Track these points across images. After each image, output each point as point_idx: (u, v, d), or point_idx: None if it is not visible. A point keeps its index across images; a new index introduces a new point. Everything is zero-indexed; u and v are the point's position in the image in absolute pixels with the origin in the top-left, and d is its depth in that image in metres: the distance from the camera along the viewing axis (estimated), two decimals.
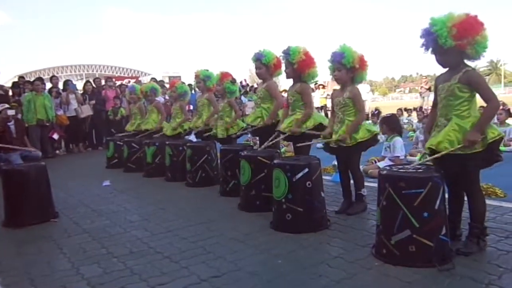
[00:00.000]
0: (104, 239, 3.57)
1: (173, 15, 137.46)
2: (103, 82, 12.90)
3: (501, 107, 8.47)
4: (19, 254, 3.34)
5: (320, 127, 4.28)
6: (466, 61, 2.78)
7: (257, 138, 5.56)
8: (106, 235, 3.67)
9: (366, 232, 3.36)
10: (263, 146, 4.59)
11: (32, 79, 11.28)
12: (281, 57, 4.51)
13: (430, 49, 2.81)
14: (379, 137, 4.06)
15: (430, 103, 16.00)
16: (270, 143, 4.58)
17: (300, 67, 4.29)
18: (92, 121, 11.30)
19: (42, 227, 4.02)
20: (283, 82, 14.88)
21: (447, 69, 2.86)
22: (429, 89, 16.62)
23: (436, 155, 2.75)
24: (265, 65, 4.82)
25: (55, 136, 10.23)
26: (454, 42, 2.61)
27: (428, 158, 2.87)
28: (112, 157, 7.90)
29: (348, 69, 3.74)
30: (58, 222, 4.20)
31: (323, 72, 4.07)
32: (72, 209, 4.65)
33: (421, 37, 2.78)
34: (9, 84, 11.81)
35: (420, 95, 17.28)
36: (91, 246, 3.41)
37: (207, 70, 6.39)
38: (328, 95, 13.34)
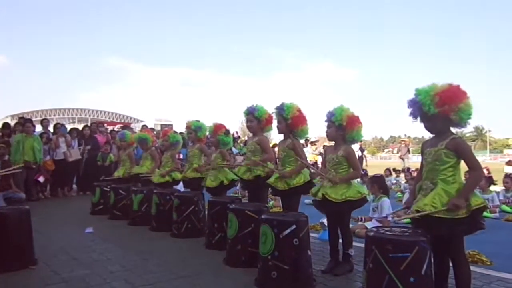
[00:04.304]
0: None
1: (163, 67, 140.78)
2: None
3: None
4: None
5: (309, 184, 4.32)
6: (453, 129, 2.93)
7: (246, 191, 5.55)
8: (85, 286, 3.54)
9: None
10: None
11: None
12: (274, 113, 4.62)
13: (418, 118, 2.98)
14: (367, 197, 4.11)
15: (411, 164, 16.29)
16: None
17: (293, 122, 4.41)
18: (86, 166, 11.23)
19: (19, 274, 3.86)
20: (274, 136, 15.06)
21: (434, 135, 3.00)
22: (408, 151, 17.12)
23: (419, 214, 2.80)
24: (257, 119, 4.94)
25: (41, 179, 10.08)
26: (437, 109, 2.79)
27: (412, 215, 2.91)
28: (98, 203, 7.75)
29: (337, 126, 3.86)
30: (36, 269, 4.05)
31: (314, 129, 4.24)
32: (52, 256, 4.50)
33: (408, 107, 2.99)
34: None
35: (400, 157, 17.66)
36: None
37: (198, 121, 6.50)
38: (320, 152, 13.49)
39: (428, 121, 2.94)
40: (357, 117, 3.91)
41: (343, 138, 3.94)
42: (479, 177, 2.91)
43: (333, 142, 4.08)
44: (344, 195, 3.76)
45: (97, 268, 4.06)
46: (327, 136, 4.10)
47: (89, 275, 3.83)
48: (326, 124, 3.99)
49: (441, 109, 2.78)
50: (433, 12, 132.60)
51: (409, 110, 2.99)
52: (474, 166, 2.82)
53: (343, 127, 3.87)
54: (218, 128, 5.86)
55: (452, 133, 2.91)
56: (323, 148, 11.91)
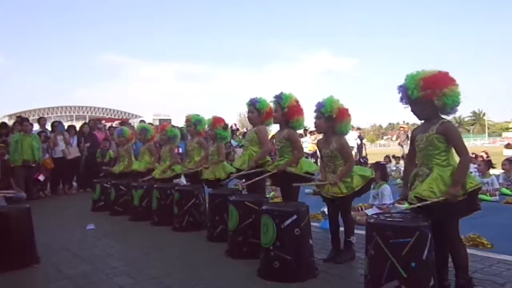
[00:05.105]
0: (85, 286, 3.45)
1: (159, 62, 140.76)
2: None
3: (480, 159, 8.60)
4: None
5: (307, 175, 4.31)
6: (446, 117, 2.93)
7: (243, 180, 5.53)
8: (88, 282, 3.55)
9: (355, 281, 3.31)
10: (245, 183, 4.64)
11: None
12: (272, 102, 4.62)
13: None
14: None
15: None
16: (251, 181, 4.62)
17: (290, 112, 4.41)
18: (86, 163, 11.24)
19: (22, 273, 3.88)
20: (274, 128, 15.02)
21: (423, 121, 3.03)
22: (407, 137, 17.06)
23: (418, 204, 2.81)
24: (258, 111, 4.95)
25: (41, 178, 10.08)
26: (420, 93, 2.81)
27: (411, 206, 2.91)
28: (98, 199, 7.76)
29: (327, 118, 3.85)
30: (39, 267, 4.06)
31: (313, 119, 4.21)
32: (54, 254, 4.52)
33: (398, 92, 3.00)
34: None
35: (399, 144, 17.63)
36: None
37: (198, 115, 6.48)
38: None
39: (413, 106, 2.96)
40: (347, 109, 3.89)
41: (333, 130, 3.92)
42: (467, 162, 2.92)
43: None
44: (350, 187, 3.78)
45: (99, 264, 4.07)
46: (315, 127, 4.05)
47: (91, 271, 3.85)
48: (315, 114, 3.96)
49: (424, 93, 2.79)
50: None
51: (399, 96, 3.00)
52: (462, 151, 2.83)
53: (332, 119, 3.84)
54: (217, 122, 5.85)
55: (442, 118, 2.91)
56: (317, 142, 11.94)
